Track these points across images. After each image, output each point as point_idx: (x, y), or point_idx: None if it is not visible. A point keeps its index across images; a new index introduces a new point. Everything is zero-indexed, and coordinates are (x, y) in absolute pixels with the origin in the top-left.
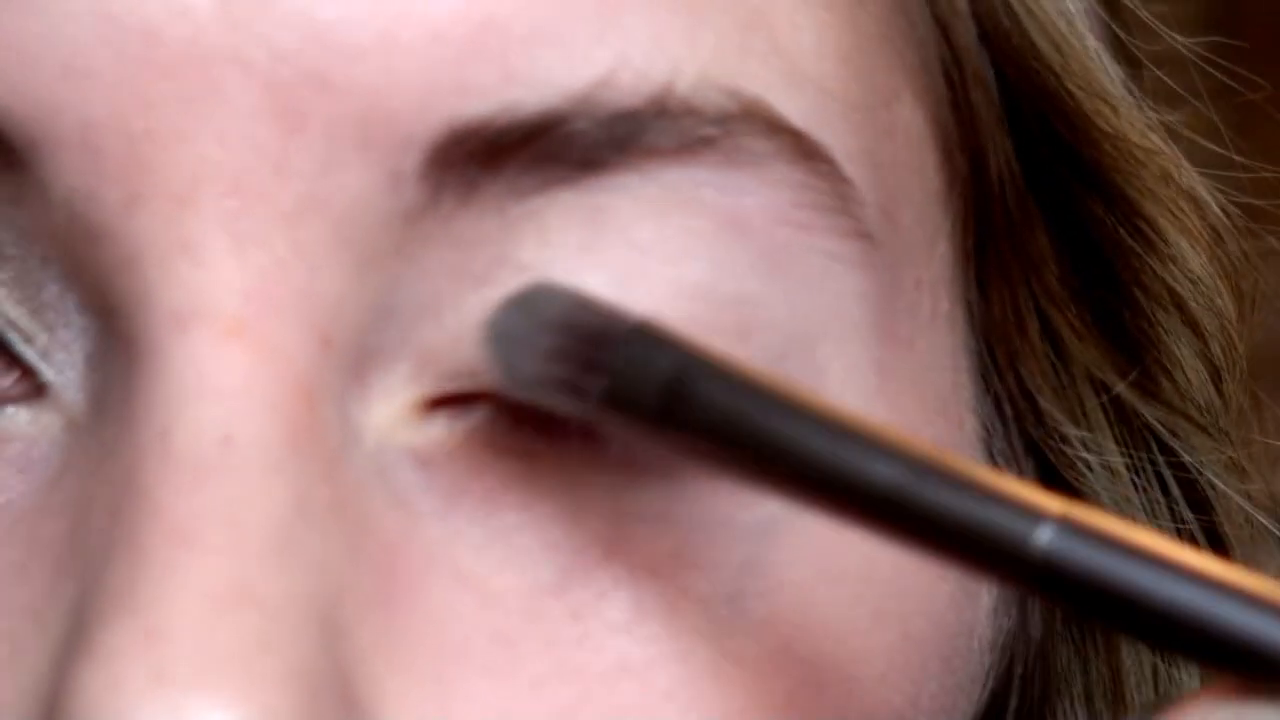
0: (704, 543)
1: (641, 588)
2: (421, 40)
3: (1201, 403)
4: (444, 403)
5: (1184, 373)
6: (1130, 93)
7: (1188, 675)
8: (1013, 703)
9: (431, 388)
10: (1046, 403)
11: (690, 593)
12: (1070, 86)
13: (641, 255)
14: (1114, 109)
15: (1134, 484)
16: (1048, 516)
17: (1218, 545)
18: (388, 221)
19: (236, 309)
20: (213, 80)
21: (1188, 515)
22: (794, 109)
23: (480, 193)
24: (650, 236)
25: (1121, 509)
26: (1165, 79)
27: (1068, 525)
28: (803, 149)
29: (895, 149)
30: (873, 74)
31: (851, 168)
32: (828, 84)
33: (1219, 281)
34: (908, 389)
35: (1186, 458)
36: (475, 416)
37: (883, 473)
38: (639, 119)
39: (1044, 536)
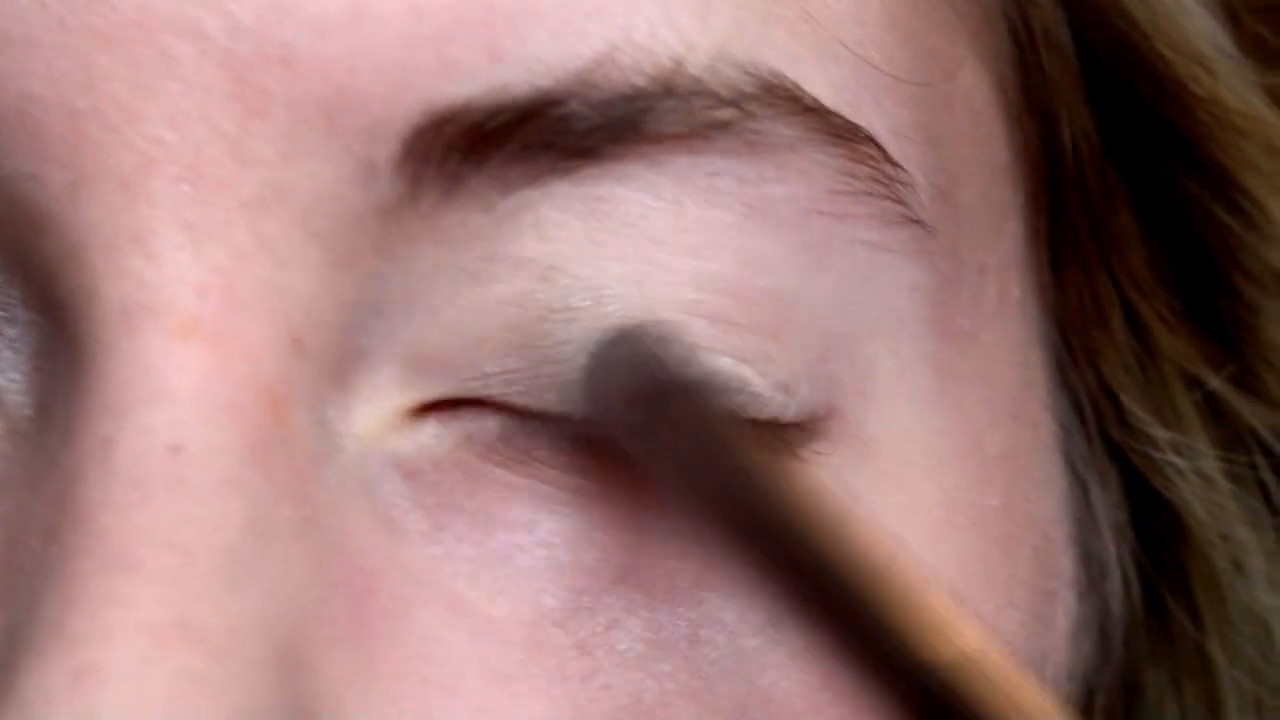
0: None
1: (660, 616)
2: (397, 14)
3: None
4: (436, 407)
5: None
6: (1228, 52)
7: None
8: None
9: (424, 391)
10: (1131, 401)
11: (714, 621)
12: (1159, 46)
13: (658, 248)
14: (1209, 70)
15: (1232, 493)
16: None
17: None
18: (361, 216)
19: (191, 305)
20: (164, 54)
21: None
22: (826, 84)
23: (464, 186)
24: (665, 227)
25: (1217, 520)
26: (1268, 34)
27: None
28: (836, 131)
29: (955, 121)
30: (926, 37)
31: (900, 146)
32: (870, 52)
33: None
34: (971, 389)
35: None
36: (471, 422)
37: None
38: (641, 102)
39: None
